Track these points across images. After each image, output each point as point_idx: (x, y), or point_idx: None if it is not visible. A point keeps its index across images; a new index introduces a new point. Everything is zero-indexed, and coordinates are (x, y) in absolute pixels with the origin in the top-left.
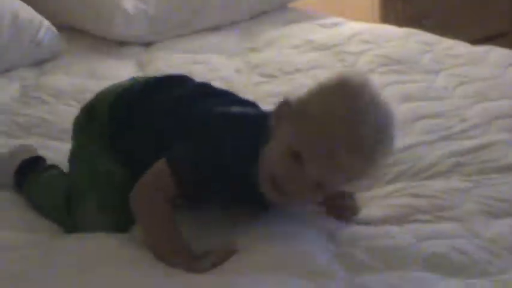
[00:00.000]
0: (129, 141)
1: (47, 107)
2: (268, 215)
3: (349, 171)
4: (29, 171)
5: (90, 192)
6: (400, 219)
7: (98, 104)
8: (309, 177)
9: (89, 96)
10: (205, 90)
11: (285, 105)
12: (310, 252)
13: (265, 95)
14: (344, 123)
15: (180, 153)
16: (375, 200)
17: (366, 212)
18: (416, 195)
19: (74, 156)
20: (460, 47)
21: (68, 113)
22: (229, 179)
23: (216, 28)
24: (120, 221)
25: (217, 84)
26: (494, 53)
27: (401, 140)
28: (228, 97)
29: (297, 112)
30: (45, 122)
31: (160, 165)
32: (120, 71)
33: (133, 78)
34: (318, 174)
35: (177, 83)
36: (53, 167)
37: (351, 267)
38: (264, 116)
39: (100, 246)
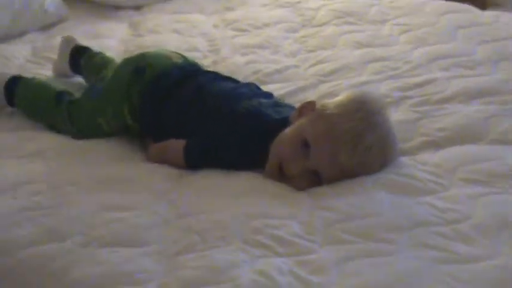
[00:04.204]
0: (159, 111)
1: None
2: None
3: (346, 171)
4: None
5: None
6: None
7: (149, 70)
8: (310, 166)
9: None
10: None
11: (310, 105)
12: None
13: (240, 47)
14: (353, 131)
15: (197, 146)
16: None
17: None
18: None
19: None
20: (401, 0)
21: None
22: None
23: None
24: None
25: (198, 39)
26: (430, 4)
27: (354, 79)
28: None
29: (318, 112)
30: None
31: (179, 151)
32: (116, 30)
33: (173, 63)
34: (318, 165)
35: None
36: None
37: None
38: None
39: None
